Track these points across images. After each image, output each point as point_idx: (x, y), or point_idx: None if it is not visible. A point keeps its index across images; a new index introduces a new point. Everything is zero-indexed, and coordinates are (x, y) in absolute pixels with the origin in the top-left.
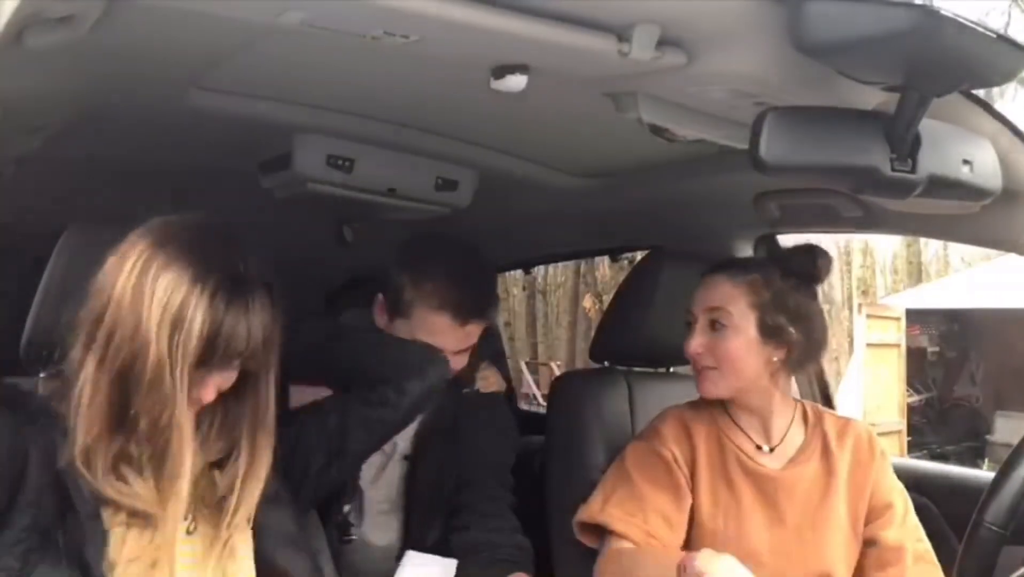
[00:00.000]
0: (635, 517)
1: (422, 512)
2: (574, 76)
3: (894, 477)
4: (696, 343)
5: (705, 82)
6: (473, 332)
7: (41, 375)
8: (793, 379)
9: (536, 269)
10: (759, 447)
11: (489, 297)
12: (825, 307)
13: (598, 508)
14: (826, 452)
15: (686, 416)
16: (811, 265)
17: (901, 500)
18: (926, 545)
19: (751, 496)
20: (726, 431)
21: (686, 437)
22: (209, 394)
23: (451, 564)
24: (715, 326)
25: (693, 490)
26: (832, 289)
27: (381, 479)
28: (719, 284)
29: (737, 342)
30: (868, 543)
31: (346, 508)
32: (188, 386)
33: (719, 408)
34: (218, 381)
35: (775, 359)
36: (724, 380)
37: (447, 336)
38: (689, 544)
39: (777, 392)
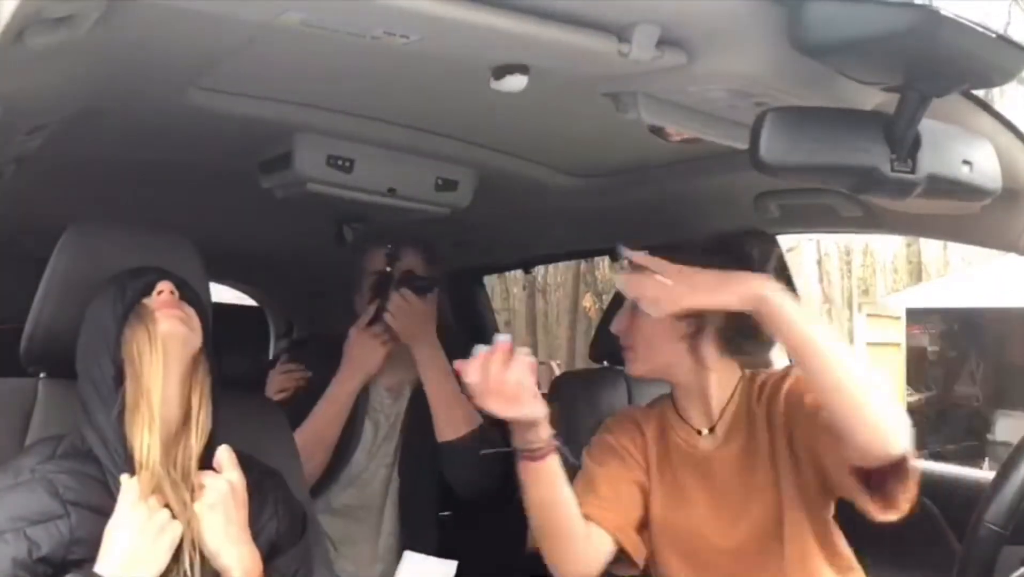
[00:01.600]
0: (587, 496)
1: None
2: (574, 76)
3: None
4: (615, 323)
5: (705, 82)
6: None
7: (41, 375)
8: None
9: (536, 269)
10: (699, 432)
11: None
12: (825, 307)
13: None
14: (749, 415)
15: (636, 415)
16: (740, 247)
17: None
18: None
19: (695, 484)
20: (671, 423)
21: (638, 433)
22: None
23: (451, 565)
24: (636, 305)
25: (649, 485)
26: (832, 289)
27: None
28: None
29: (647, 320)
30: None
31: None
32: None
33: (667, 402)
34: None
35: (687, 331)
36: (639, 359)
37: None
38: (648, 536)
39: (710, 369)
